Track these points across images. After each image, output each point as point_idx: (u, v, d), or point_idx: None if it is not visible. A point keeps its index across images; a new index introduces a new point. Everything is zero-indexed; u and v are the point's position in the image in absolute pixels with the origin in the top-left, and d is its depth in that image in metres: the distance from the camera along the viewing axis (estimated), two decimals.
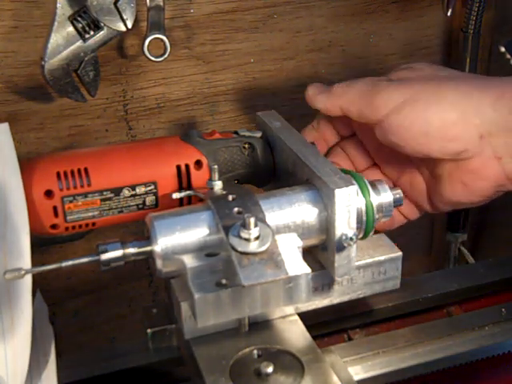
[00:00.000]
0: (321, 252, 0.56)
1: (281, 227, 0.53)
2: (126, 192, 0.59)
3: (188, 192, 0.58)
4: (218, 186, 0.55)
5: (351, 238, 0.52)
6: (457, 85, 0.60)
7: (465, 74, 0.62)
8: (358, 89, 0.63)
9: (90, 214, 0.58)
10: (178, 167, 0.60)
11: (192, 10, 0.78)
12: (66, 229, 0.59)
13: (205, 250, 0.51)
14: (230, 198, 0.53)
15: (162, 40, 0.70)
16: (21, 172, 0.54)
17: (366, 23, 0.87)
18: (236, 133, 0.65)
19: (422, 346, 0.65)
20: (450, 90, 0.59)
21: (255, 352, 0.56)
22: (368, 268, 0.58)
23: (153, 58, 0.70)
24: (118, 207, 0.59)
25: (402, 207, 0.65)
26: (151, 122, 0.82)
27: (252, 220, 0.48)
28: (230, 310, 0.48)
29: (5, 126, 0.56)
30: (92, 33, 0.66)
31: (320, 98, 0.65)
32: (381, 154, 0.67)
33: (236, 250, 0.48)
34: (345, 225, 0.53)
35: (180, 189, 0.60)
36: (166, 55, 0.71)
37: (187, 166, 0.60)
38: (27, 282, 0.51)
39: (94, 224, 0.59)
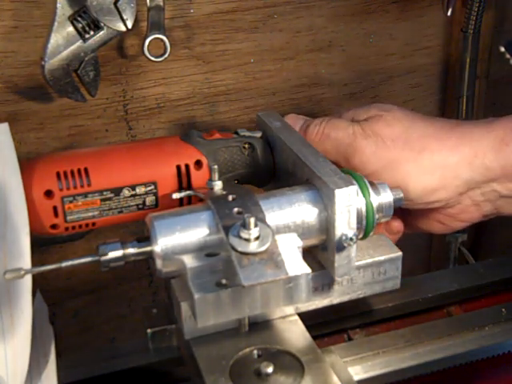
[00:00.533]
0: (321, 252, 0.56)
1: (281, 227, 0.53)
2: (126, 192, 0.59)
3: (188, 192, 0.58)
4: (218, 186, 0.55)
5: (351, 238, 0.52)
6: (432, 152, 0.61)
7: (438, 128, 0.62)
8: (334, 143, 0.63)
9: (90, 214, 0.58)
10: (178, 167, 0.60)
11: (192, 10, 0.78)
12: (66, 229, 0.59)
13: (205, 250, 0.51)
14: (230, 198, 0.53)
15: (162, 40, 0.70)
16: (21, 172, 0.54)
17: (366, 23, 0.87)
18: (236, 133, 0.65)
19: (422, 346, 0.65)
20: (427, 158, 0.61)
21: (255, 352, 0.56)
22: (368, 268, 0.58)
23: (153, 58, 0.70)
24: (118, 207, 0.59)
25: None
26: (151, 121, 0.82)
27: (252, 220, 0.48)
28: (230, 310, 0.48)
29: (5, 126, 0.56)
30: (92, 33, 0.66)
31: None
32: None
33: (236, 250, 0.48)
34: (345, 225, 0.53)
35: (180, 189, 0.60)
36: (166, 55, 0.71)
37: (187, 166, 0.60)
38: (27, 282, 0.51)
39: (94, 224, 0.59)
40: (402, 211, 0.65)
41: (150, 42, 0.69)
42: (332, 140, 0.63)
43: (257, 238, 0.49)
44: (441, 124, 0.63)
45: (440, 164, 0.60)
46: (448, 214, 0.64)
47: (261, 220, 0.50)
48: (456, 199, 0.62)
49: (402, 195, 0.58)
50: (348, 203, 0.52)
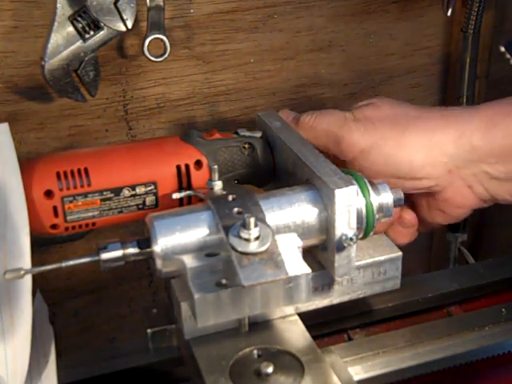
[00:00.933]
0: (321, 252, 0.56)
1: (281, 227, 0.53)
2: (126, 192, 0.59)
3: (188, 192, 0.58)
4: (218, 186, 0.55)
5: (351, 238, 0.52)
6: (418, 128, 0.62)
7: (425, 111, 0.64)
8: (325, 127, 0.64)
9: (90, 213, 0.58)
10: (178, 167, 0.60)
11: (192, 10, 0.78)
12: (66, 229, 0.59)
13: (205, 250, 0.51)
14: (230, 198, 0.53)
15: (162, 40, 0.70)
16: (21, 172, 0.54)
17: (366, 23, 0.87)
18: (236, 133, 0.65)
19: (422, 346, 0.65)
20: (414, 133, 0.61)
21: (255, 352, 0.56)
22: (368, 268, 0.58)
23: (153, 58, 0.70)
24: (118, 207, 0.59)
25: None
26: (151, 121, 0.82)
27: (252, 220, 0.48)
28: (230, 309, 0.48)
29: (5, 126, 0.56)
30: (92, 33, 0.66)
31: None
32: None
33: (236, 250, 0.48)
34: (345, 225, 0.53)
35: (180, 189, 0.60)
36: (166, 55, 0.71)
37: (187, 166, 0.60)
38: (27, 282, 0.51)
39: (94, 224, 0.59)
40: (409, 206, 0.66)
41: (150, 41, 0.69)
42: (323, 125, 0.64)
43: (257, 238, 0.49)
44: (429, 108, 0.65)
45: (426, 141, 0.61)
46: (444, 199, 0.63)
47: (261, 220, 0.50)
48: (446, 178, 0.61)
49: (402, 195, 0.58)
50: (348, 203, 0.52)
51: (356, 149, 0.62)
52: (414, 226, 0.66)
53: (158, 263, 0.51)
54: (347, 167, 0.63)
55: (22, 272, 0.48)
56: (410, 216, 0.65)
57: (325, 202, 0.54)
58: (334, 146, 0.63)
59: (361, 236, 0.57)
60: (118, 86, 0.79)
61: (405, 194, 0.63)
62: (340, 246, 0.53)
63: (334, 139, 0.63)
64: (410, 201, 0.66)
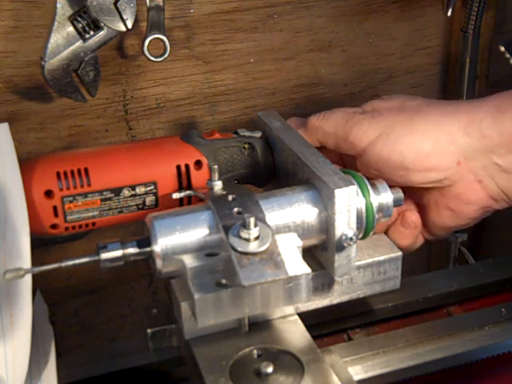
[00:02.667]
0: (321, 252, 0.56)
1: (281, 227, 0.53)
2: (126, 192, 0.59)
3: (188, 192, 0.58)
4: (218, 186, 0.55)
5: (351, 238, 0.52)
6: (427, 114, 0.61)
7: (434, 102, 0.64)
8: (333, 123, 0.63)
9: (90, 214, 0.58)
10: (178, 167, 0.60)
11: (192, 10, 0.78)
12: (66, 229, 0.59)
13: (205, 250, 0.51)
14: (230, 198, 0.53)
15: (161, 40, 0.70)
16: (21, 172, 0.54)
17: (366, 23, 0.87)
18: (236, 133, 0.65)
19: (422, 346, 0.65)
20: (421, 120, 0.60)
21: (255, 352, 0.56)
22: (368, 268, 0.58)
23: (153, 58, 0.70)
24: (118, 207, 0.59)
25: None
26: (151, 122, 0.82)
27: (252, 220, 0.48)
28: (230, 309, 0.48)
29: (5, 126, 0.56)
30: (92, 33, 0.66)
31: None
32: None
33: (236, 250, 0.48)
34: (345, 225, 0.53)
35: (180, 189, 0.60)
36: (165, 55, 0.71)
37: (187, 166, 0.60)
38: (27, 281, 0.51)
39: (94, 224, 0.59)
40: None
41: (150, 41, 0.69)
42: (331, 122, 0.63)
43: (257, 238, 0.49)
44: (438, 100, 0.64)
45: (434, 126, 0.59)
46: (453, 195, 0.61)
47: (261, 220, 0.50)
48: (455, 171, 0.60)
49: (402, 195, 0.58)
50: (348, 203, 0.52)
51: (364, 139, 0.61)
52: (417, 227, 0.64)
53: (158, 263, 0.51)
54: (357, 164, 0.62)
55: (22, 272, 0.48)
56: (414, 217, 0.64)
57: (325, 202, 0.54)
58: (343, 140, 0.62)
59: (361, 236, 0.57)
60: (118, 86, 0.79)
61: (413, 191, 0.62)
62: (340, 246, 0.53)
63: (342, 133, 0.62)
64: (417, 203, 0.65)
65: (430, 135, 0.59)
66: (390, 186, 0.58)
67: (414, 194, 0.64)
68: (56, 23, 0.65)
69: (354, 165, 0.65)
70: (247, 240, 0.49)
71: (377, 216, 0.56)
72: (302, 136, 0.63)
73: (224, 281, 0.48)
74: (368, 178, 0.57)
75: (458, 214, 0.63)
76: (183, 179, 0.60)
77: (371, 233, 0.57)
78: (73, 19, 0.66)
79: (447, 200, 0.62)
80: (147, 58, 0.70)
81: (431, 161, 0.59)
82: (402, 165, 0.59)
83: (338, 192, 0.51)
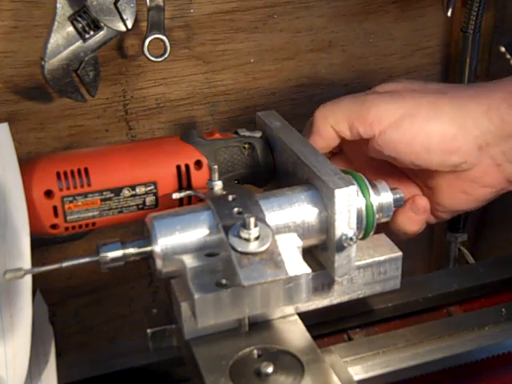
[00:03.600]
0: (321, 252, 0.56)
1: (281, 227, 0.53)
2: (126, 192, 0.59)
3: (188, 192, 0.58)
4: (218, 186, 0.55)
5: (351, 238, 0.52)
6: (451, 97, 0.60)
7: (453, 86, 0.64)
8: (346, 106, 0.62)
9: (90, 214, 0.58)
10: (178, 167, 0.60)
11: (192, 10, 0.78)
12: (66, 229, 0.59)
13: (205, 250, 0.51)
14: (230, 198, 0.53)
15: (161, 40, 0.70)
16: (21, 172, 0.54)
17: (366, 23, 0.87)
18: (236, 133, 0.65)
19: (422, 346, 0.65)
20: (446, 103, 0.60)
21: (255, 352, 0.56)
22: (368, 268, 0.58)
23: (153, 58, 0.70)
24: (118, 207, 0.59)
25: None
26: (151, 122, 0.82)
27: (252, 220, 0.48)
28: (230, 310, 0.48)
29: (5, 126, 0.56)
30: (92, 33, 0.66)
31: (311, 139, 0.63)
32: (370, 169, 0.66)
33: (236, 250, 0.48)
34: (345, 225, 0.53)
35: (180, 189, 0.60)
36: (165, 55, 0.71)
37: (187, 166, 0.60)
38: (27, 282, 0.51)
39: (94, 224, 0.59)
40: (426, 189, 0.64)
41: (150, 41, 0.69)
42: (344, 106, 0.62)
43: (257, 238, 0.49)
44: (456, 84, 0.64)
45: (459, 109, 0.59)
46: (470, 179, 0.61)
47: (261, 220, 0.50)
48: (475, 155, 0.59)
49: (402, 195, 0.59)
50: (348, 203, 0.52)
51: (384, 120, 0.59)
52: (426, 212, 0.64)
53: (158, 263, 0.51)
54: (369, 146, 0.61)
55: (22, 272, 0.48)
56: (424, 202, 0.63)
57: (325, 202, 0.54)
58: (359, 121, 0.60)
59: (361, 236, 0.57)
60: (118, 86, 0.79)
61: (425, 173, 0.62)
62: (340, 246, 0.53)
63: (358, 115, 0.60)
64: (425, 186, 0.64)
65: (457, 118, 0.59)
66: (390, 187, 0.58)
67: (425, 177, 0.64)
68: (56, 23, 0.65)
69: (361, 164, 0.65)
70: (247, 240, 0.48)
71: (377, 216, 0.56)
72: (314, 127, 0.62)
73: (224, 281, 0.48)
74: (368, 179, 0.58)
75: (472, 196, 0.62)
76: (183, 179, 0.60)
77: (371, 233, 0.57)
78: (73, 19, 0.66)
79: (462, 183, 0.61)
80: (147, 58, 0.70)
81: (456, 144, 0.59)
82: (426, 146, 0.59)
83: (338, 192, 0.51)
